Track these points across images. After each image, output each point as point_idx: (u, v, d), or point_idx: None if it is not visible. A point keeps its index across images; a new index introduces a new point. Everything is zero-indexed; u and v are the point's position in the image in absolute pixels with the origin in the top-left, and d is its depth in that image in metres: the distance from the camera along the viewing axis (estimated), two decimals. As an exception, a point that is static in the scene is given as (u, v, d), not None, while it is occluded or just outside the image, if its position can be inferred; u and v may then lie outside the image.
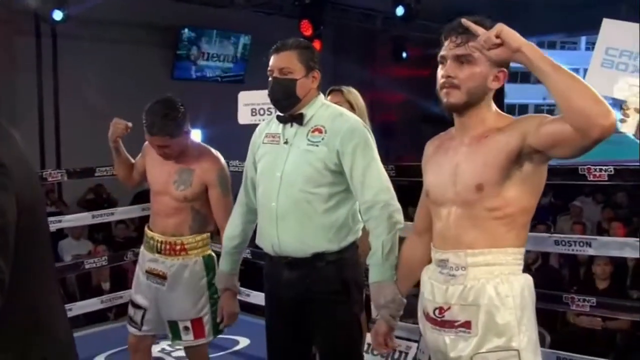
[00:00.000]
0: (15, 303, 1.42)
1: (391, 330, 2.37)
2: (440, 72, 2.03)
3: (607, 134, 1.72)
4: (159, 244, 3.21)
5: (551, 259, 7.01)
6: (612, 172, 3.02)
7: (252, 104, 4.54)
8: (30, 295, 1.51)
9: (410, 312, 2.42)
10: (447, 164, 2.07)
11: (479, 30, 1.88)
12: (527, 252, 5.56)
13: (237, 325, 3.13)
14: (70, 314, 4.75)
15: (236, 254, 2.92)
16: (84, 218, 5.45)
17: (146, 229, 3.33)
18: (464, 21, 1.94)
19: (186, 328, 3.20)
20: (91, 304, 4.98)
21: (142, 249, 3.35)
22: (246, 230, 2.90)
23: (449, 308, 2.00)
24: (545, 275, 6.24)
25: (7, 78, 9.19)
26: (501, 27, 1.84)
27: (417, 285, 2.27)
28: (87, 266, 4.96)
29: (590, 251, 3.26)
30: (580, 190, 10.17)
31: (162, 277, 3.21)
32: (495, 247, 1.98)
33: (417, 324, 2.31)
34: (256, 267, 3.05)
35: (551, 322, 5.49)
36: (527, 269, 5.71)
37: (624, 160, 4.41)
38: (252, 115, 4.53)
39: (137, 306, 3.31)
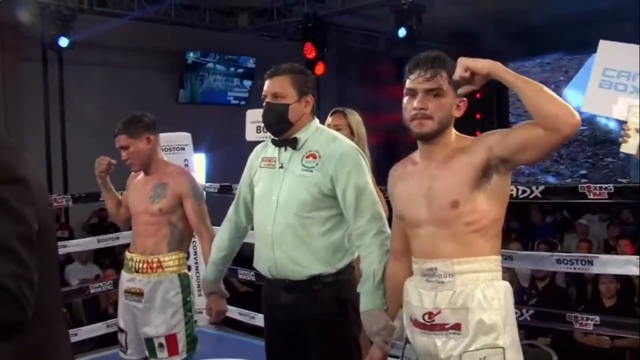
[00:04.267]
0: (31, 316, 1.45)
1: (385, 356, 2.45)
2: (409, 103, 2.19)
3: (574, 131, 1.96)
4: (137, 264, 3.36)
5: (558, 277, 6.99)
6: (612, 191, 3.03)
7: (258, 121, 4.66)
8: (44, 310, 1.53)
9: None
10: (416, 188, 2.22)
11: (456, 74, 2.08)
12: (535, 270, 5.52)
13: (241, 347, 3.15)
14: (76, 339, 4.77)
15: (222, 265, 2.98)
16: (90, 242, 5.48)
17: (126, 252, 3.49)
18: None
19: (161, 345, 3.31)
20: (97, 329, 5.00)
21: (122, 272, 3.50)
22: (233, 244, 2.96)
23: (438, 312, 2.14)
24: (552, 294, 6.21)
25: (14, 103, 9.29)
26: (465, 63, 2.05)
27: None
28: (92, 291, 4.99)
29: (592, 269, 3.26)
30: (587, 208, 10.15)
31: (139, 295, 3.34)
32: (477, 256, 2.14)
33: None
34: (261, 289, 3.11)
35: (558, 341, 5.46)
36: (533, 286, 5.69)
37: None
38: (257, 132, 4.72)
39: (121, 330, 3.47)
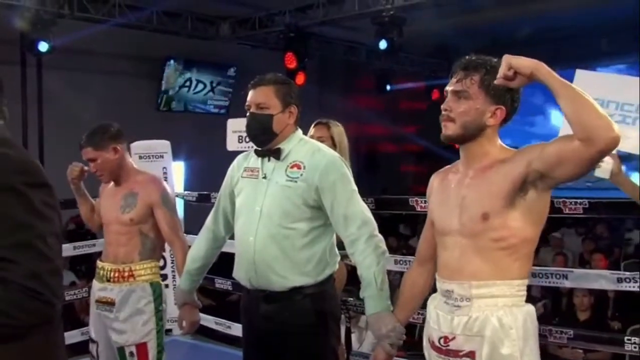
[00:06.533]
0: None
1: (390, 358, 2.40)
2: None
3: (611, 146, 1.84)
4: (108, 273, 3.33)
5: (533, 290, 7.03)
6: (587, 206, 3.07)
7: (239, 131, 4.65)
8: None
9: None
10: (452, 195, 2.15)
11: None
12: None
13: (216, 356, 3.13)
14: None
15: (196, 275, 2.96)
16: (65, 249, 5.42)
17: (98, 261, 3.45)
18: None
19: (131, 354, 3.28)
20: (72, 336, 4.94)
21: (93, 281, 3.45)
22: (209, 255, 2.93)
23: (453, 338, 2.07)
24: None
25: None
26: (509, 60, 1.94)
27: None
28: (66, 298, 4.93)
29: (567, 283, 3.30)
30: (563, 222, 10.25)
31: (110, 304, 3.31)
32: (500, 278, 2.04)
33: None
34: (224, 302, 3.11)
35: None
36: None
37: None
38: (239, 142, 4.69)
39: (92, 340, 3.43)
